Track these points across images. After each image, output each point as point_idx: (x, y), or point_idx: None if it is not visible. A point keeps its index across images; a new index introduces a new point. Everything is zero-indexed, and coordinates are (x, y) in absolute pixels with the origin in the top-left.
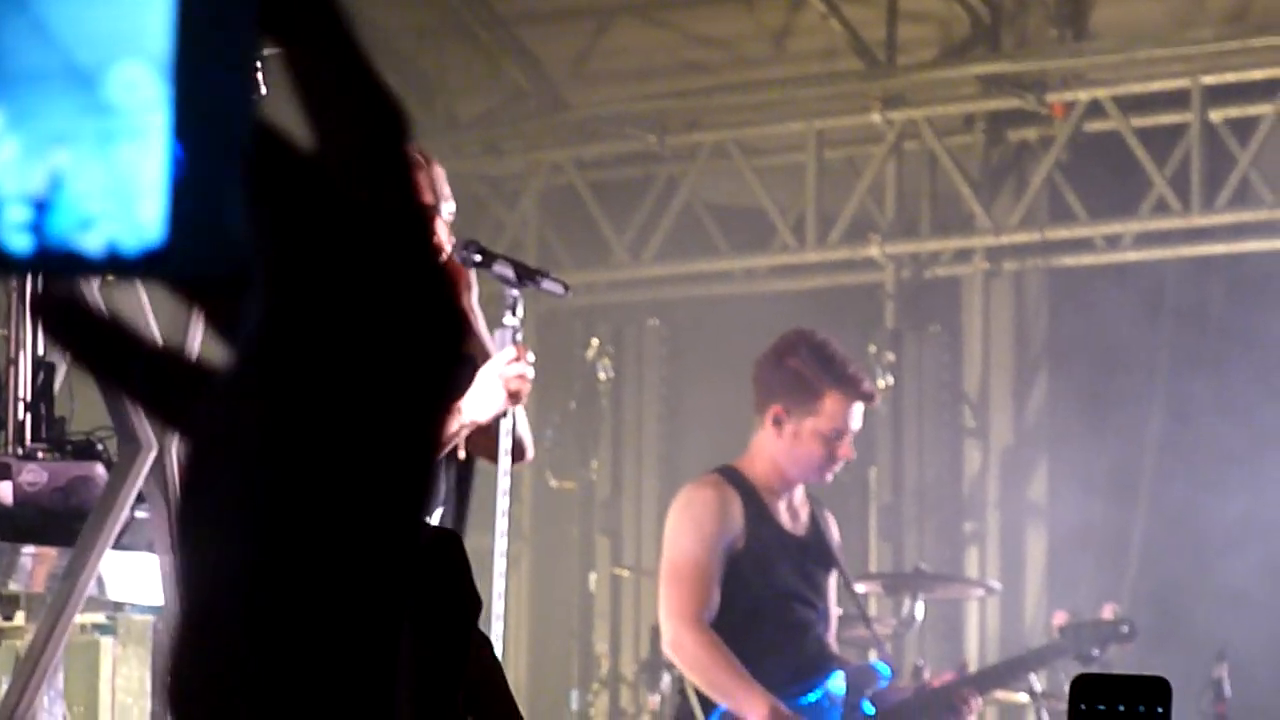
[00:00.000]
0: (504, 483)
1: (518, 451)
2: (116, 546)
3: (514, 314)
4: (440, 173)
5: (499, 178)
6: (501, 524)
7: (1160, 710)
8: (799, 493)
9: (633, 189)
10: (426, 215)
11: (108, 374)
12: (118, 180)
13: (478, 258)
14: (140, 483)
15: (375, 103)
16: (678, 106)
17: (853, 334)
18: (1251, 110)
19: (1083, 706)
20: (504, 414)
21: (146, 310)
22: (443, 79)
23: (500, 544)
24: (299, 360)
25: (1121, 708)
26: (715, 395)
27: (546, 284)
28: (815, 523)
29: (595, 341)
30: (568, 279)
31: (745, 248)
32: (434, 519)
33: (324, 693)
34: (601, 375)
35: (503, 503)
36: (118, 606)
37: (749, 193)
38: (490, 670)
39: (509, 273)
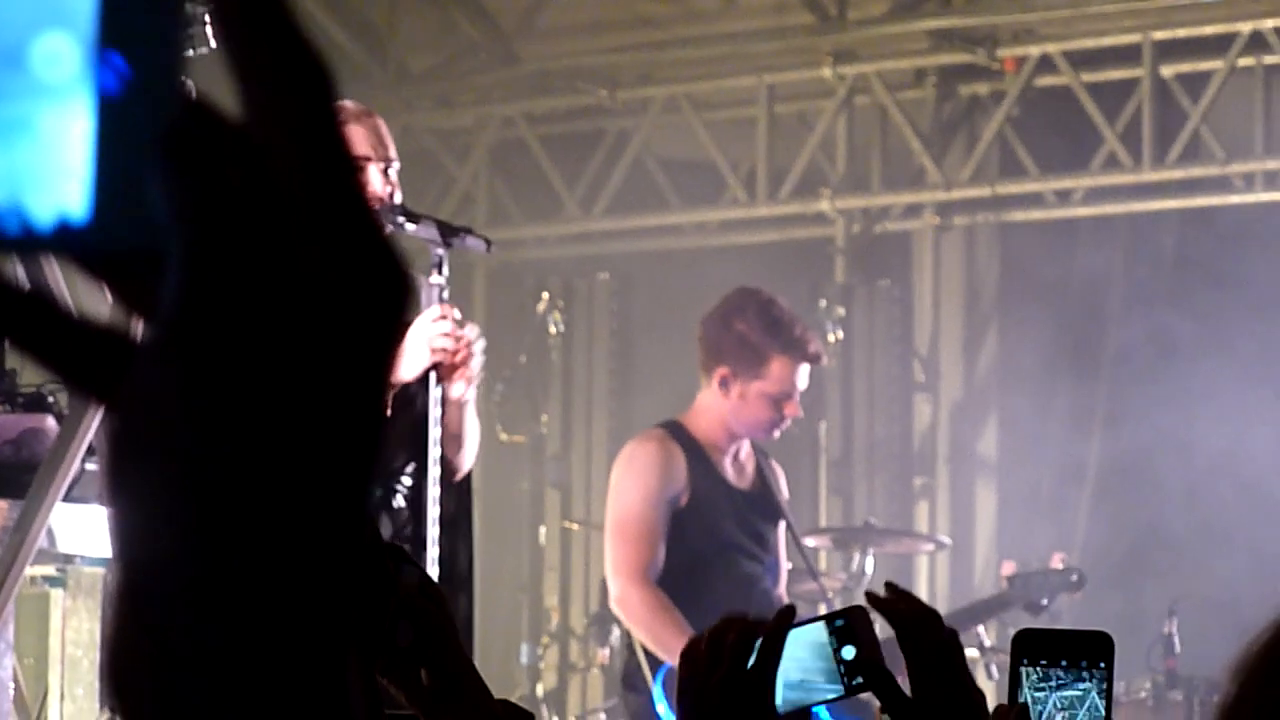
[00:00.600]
0: (434, 452)
1: (449, 469)
2: (67, 499)
3: (439, 272)
4: (383, 127)
5: (450, 131)
6: (434, 491)
7: (1102, 665)
8: (745, 446)
9: (583, 143)
10: (355, 175)
11: (30, 348)
12: (39, 156)
13: (400, 218)
14: (91, 435)
15: (300, 63)
16: (629, 60)
17: (803, 288)
18: (1203, 65)
19: (1025, 661)
20: (431, 370)
21: (60, 282)
22: (394, 32)
23: (433, 527)
24: (221, 328)
25: (1064, 662)
26: (665, 349)
27: (470, 241)
28: (761, 476)
29: (545, 295)
30: (519, 233)
31: (696, 202)
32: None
33: (266, 655)
34: (552, 329)
35: (434, 472)
36: (68, 559)
37: (700, 147)
38: (439, 622)
39: (433, 232)
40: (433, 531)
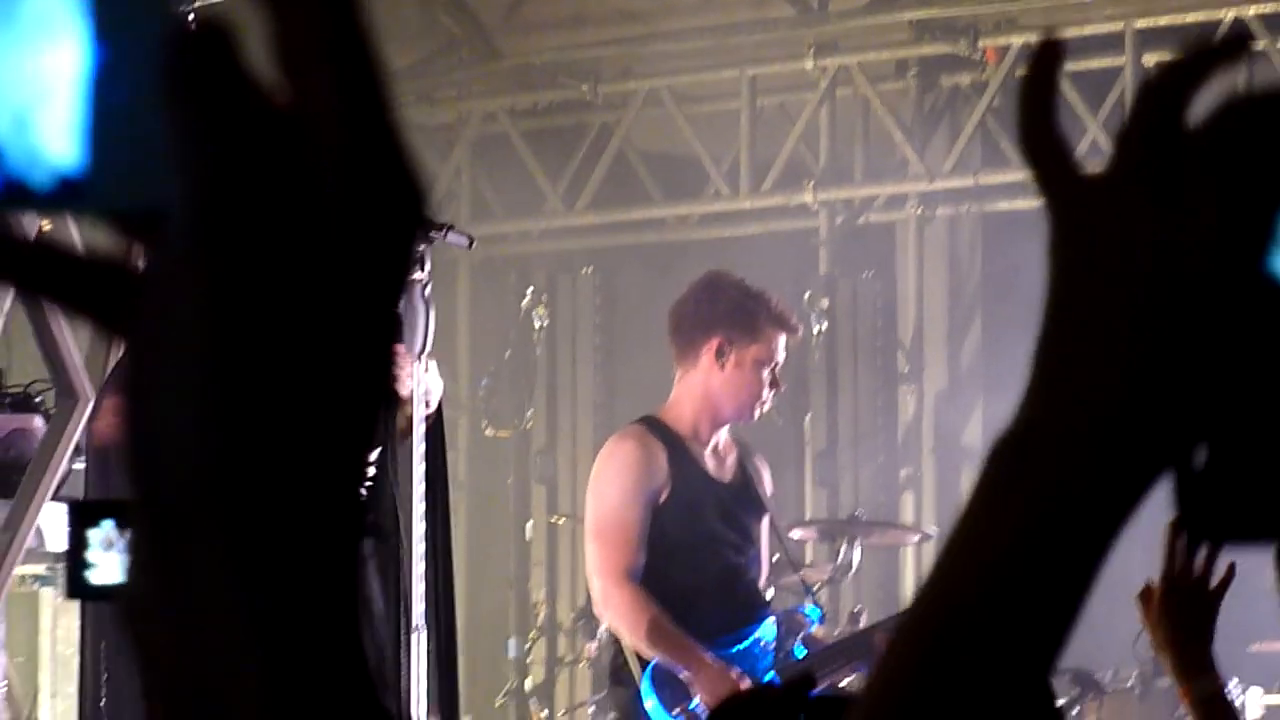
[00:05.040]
0: (419, 430)
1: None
2: (56, 497)
3: (421, 269)
4: None
5: (432, 127)
6: (419, 470)
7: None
8: (724, 438)
9: (566, 137)
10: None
11: (38, 289)
12: (27, 98)
13: None
14: (78, 434)
15: (360, 67)
16: (610, 54)
17: (787, 280)
18: None
19: None
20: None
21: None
22: (374, 28)
23: (419, 489)
24: (238, 243)
25: None
26: (650, 342)
27: (452, 238)
28: (743, 468)
29: (529, 290)
30: (502, 228)
31: (679, 195)
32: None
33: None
34: (536, 324)
35: (419, 449)
36: (58, 558)
37: (682, 140)
38: None
39: None
40: (418, 549)
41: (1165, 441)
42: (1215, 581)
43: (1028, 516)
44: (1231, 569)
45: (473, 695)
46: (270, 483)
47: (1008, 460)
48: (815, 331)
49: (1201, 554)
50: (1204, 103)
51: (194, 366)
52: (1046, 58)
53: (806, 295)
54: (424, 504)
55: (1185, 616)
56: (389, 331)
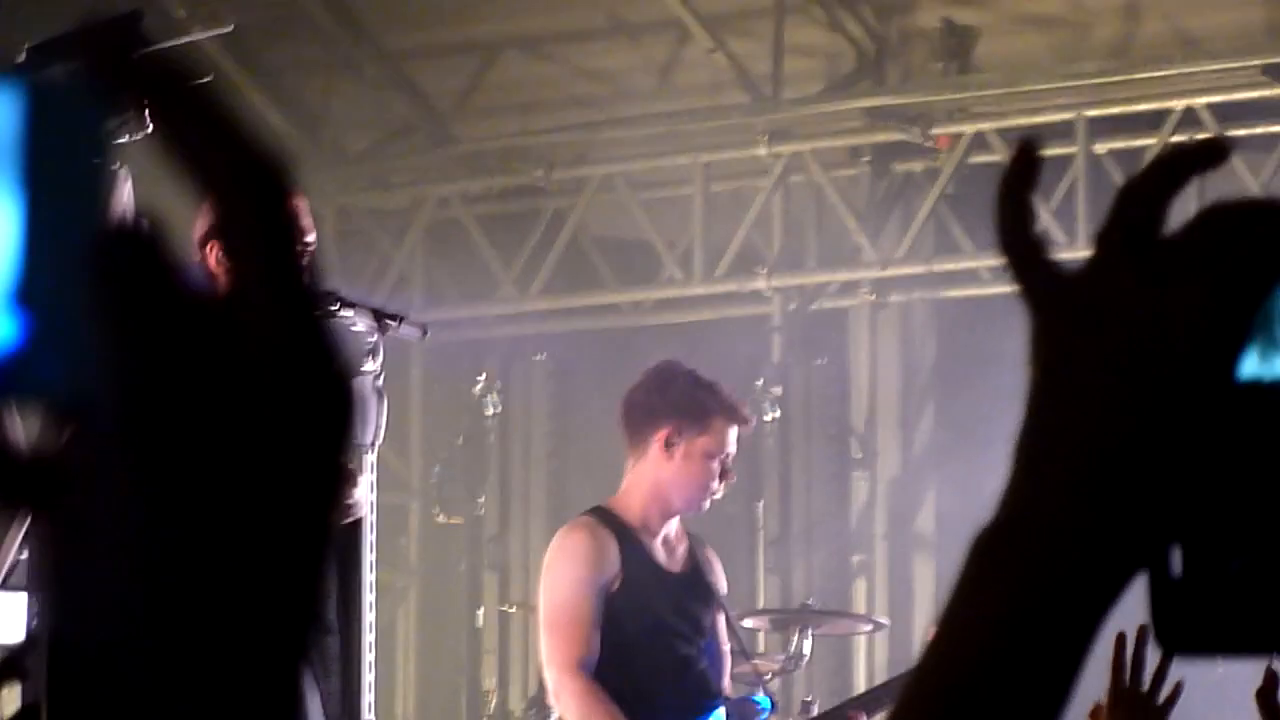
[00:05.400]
0: (368, 521)
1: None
2: (4, 587)
3: (373, 359)
4: (303, 204)
5: (386, 211)
6: (368, 560)
7: None
8: (675, 528)
9: (520, 223)
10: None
11: None
12: None
13: (335, 306)
14: (26, 524)
15: (249, 164)
16: (564, 140)
17: (740, 367)
18: (1136, 142)
19: None
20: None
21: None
22: (329, 113)
23: (368, 579)
24: (166, 431)
25: None
26: (604, 429)
27: (405, 329)
28: (693, 559)
29: (483, 376)
30: (456, 313)
31: (633, 281)
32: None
33: None
34: (489, 410)
35: (368, 539)
36: (6, 649)
37: (636, 226)
38: None
39: (368, 319)
40: (367, 638)
41: (1144, 537)
42: (1163, 695)
43: (1010, 610)
44: (1179, 685)
45: None
46: (208, 675)
47: (989, 553)
48: (768, 418)
49: (1150, 667)
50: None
51: (123, 560)
52: (1023, 159)
53: (760, 382)
54: (373, 594)
55: None
56: (323, 521)
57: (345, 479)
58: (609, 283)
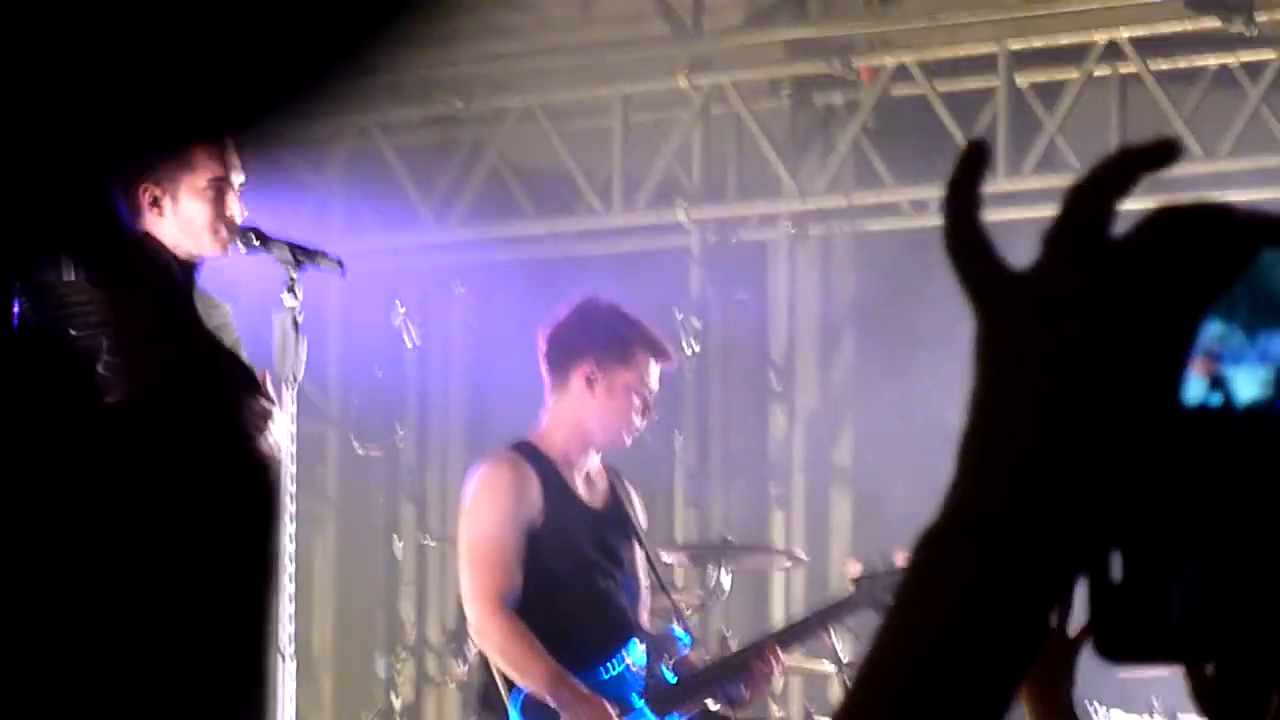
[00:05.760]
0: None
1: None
2: None
3: (294, 294)
4: (233, 146)
5: (304, 143)
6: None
7: None
8: (595, 463)
9: (439, 153)
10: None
11: None
12: None
13: (256, 242)
14: None
15: (183, 345)
16: (484, 71)
17: (659, 299)
18: (1058, 75)
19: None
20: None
21: None
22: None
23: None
24: (76, 545)
25: None
26: (523, 362)
27: (324, 264)
28: (614, 493)
29: (401, 308)
30: (374, 243)
31: (552, 212)
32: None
33: None
34: (408, 342)
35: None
36: None
37: (556, 157)
38: None
39: (286, 254)
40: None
41: (1086, 541)
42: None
43: (956, 612)
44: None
45: (340, 713)
46: None
47: (935, 554)
48: (687, 352)
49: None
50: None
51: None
52: (970, 158)
53: (679, 315)
54: (293, 524)
55: (1044, 665)
56: (259, 603)
57: (274, 564)
58: (528, 214)
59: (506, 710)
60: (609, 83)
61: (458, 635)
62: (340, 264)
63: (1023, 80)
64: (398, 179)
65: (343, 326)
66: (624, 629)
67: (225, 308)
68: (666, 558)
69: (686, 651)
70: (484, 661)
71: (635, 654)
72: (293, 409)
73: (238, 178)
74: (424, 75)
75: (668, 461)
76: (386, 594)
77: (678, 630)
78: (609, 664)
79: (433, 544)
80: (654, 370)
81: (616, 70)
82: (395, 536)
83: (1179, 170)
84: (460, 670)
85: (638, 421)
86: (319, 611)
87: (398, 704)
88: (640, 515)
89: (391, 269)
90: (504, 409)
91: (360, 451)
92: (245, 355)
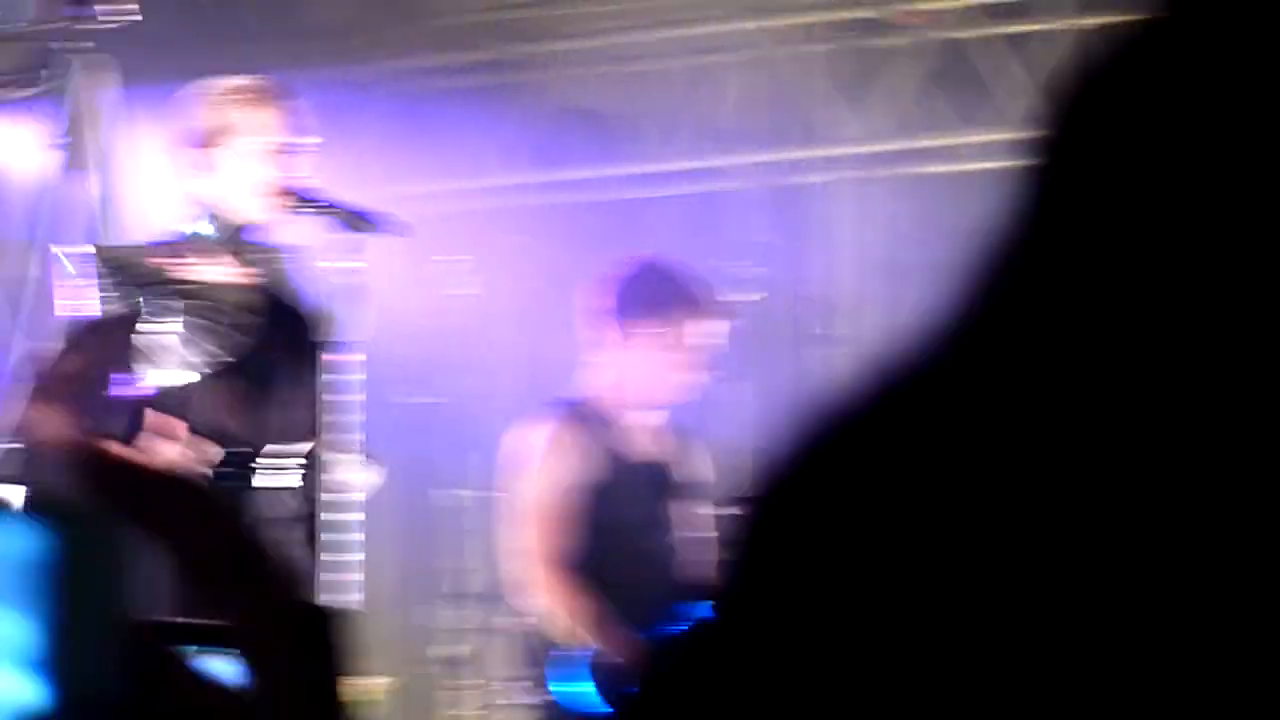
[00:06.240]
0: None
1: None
2: None
3: (353, 254)
4: (304, 106)
5: (357, 84)
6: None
7: None
8: (652, 419)
9: (501, 97)
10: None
11: None
12: None
13: (311, 205)
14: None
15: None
16: (545, 13)
17: (720, 244)
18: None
19: None
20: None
21: None
22: None
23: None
24: None
25: None
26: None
27: (381, 226)
28: (675, 450)
29: (460, 255)
30: (435, 189)
31: (612, 156)
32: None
33: None
34: (468, 289)
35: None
36: None
37: (614, 101)
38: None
39: (343, 217)
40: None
41: None
42: None
43: None
44: None
45: (403, 661)
46: None
47: None
48: (747, 298)
49: None
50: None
51: None
52: None
53: (737, 261)
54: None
55: None
56: None
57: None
58: (589, 158)
59: (563, 667)
60: (671, 25)
61: (500, 590)
62: (397, 225)
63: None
64: (459, 123)
65: (402, 275)
66: (678, 587)
67: (278, 255)
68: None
69: None
70: (540, 618)
71: (693, 612)
72: (360, 361)
73: (293, 139)
74: (481, 19)
75: (733, 411)
76: (442, 543)
77: None
78: (665, 622)
79: (495, 494)
80: (703, 325)
81: (679, 12)
82: (457, 486)
83: None
84: (520, 626)
85: (686, 377)
86: (383, 560)
87: (460, 653)
88: (701, 469)
89: (452, 214)
90: (560, 361)
91: (421, 401)
92: (303, 305)
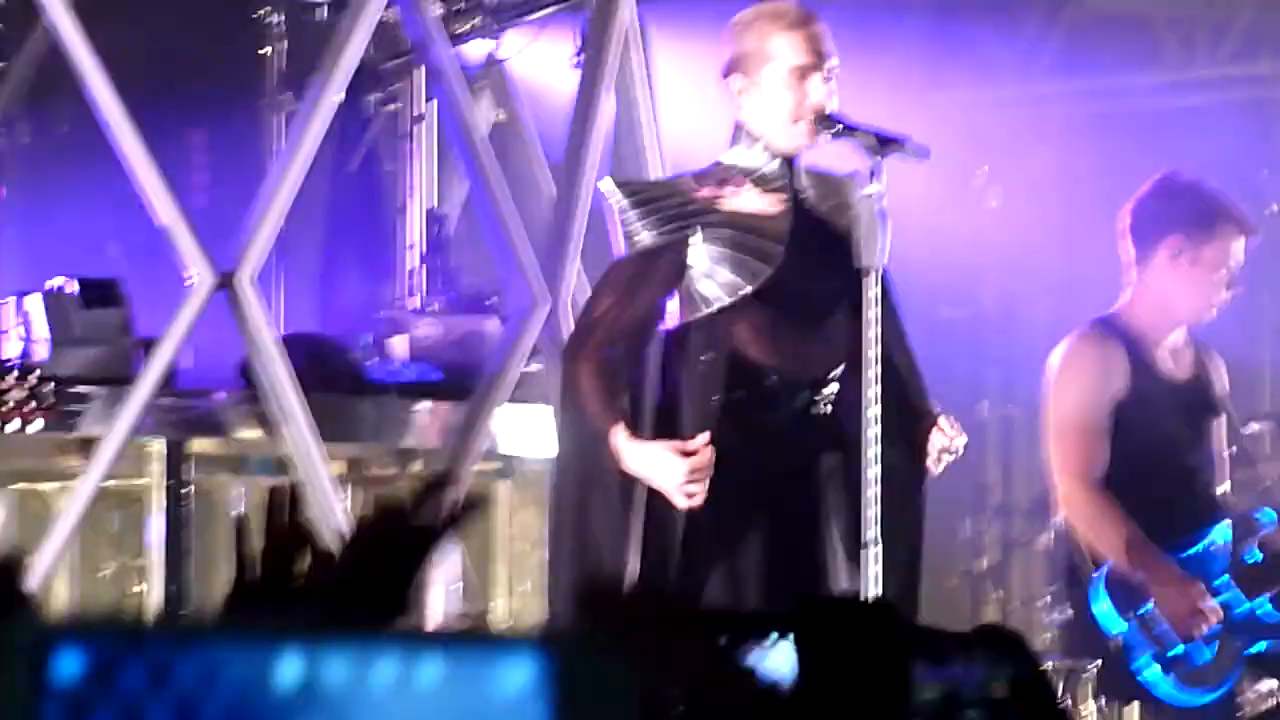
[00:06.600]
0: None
1: None
2: (510, 400)
3: (877, 181)
4: (823, 30)
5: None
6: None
7: None
8: (1180, 336)
9: (1022, 4)
10: None
11: None
12: None
13: (840, 130)
14: (534, 337)
15: None
16: None
17: (1240, 159)
18: None
19: None
20: None
21: None
22: None
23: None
24: None
25: None
26: (1111, 220)
27: (908, 152)
28: (1198, 367)
29: (983, 169)
30: (955, 99)
31: (1133, 64)
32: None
33: None
34: (990, 202)
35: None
36: (510, 459)
37: (1139, 6)
38: None
39: (871, 142)
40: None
41: None
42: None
43: None
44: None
45: (925, 575)
46: None
47: None
48: (1270, 212)
49: None
50: None
51: None
52: None
53: (1264, 172)
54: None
55: None
56: None
57: None
58: (1112, 66)
59: (1089, 582)
60: None
61: (1043, 503)
62: (923, 152)
63: None
64: (978, 33)
65: (922, 194)
66: (1209, 507)
67: (849, 184)
68: (1255, 426)
69: (1273, 529)
70: (1069, 533)
71: (1219, 533)
72: (877, 292)
73: (824, 61)
74: None
75: (1255, 329)
76: (973, 458)
77: (1263, 510)
78: (1192, 542)
79: (1018, 410)
80: (1239, 245)
81: None
82: (979, 400)
83: None
84: (1045, 538)
85: (1224, 294)
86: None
87: (983, 566)
88: (1223, 385)
89: (972, 127)
90: (1091, 270)
91: (944, 314)
92: (841, 231)
